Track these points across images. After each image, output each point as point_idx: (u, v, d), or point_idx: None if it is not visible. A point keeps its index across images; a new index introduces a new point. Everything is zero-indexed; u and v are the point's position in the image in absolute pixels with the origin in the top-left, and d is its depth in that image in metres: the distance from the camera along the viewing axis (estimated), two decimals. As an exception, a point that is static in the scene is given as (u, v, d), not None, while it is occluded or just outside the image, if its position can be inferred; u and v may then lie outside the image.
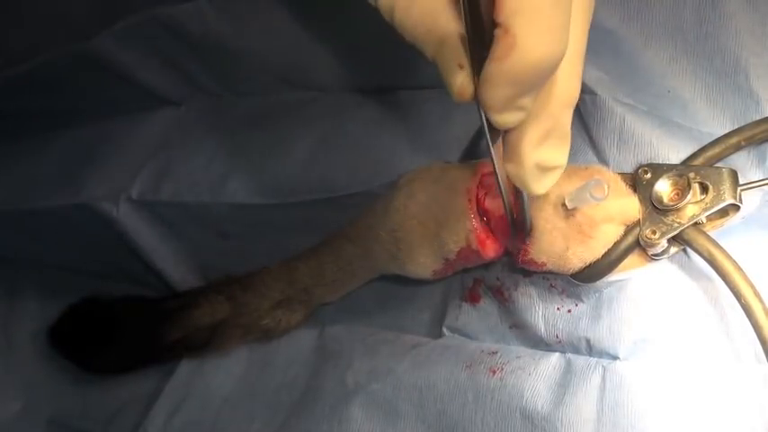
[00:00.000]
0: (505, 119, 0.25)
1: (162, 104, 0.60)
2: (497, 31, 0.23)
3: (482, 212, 0.36)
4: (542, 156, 0.27)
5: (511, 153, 0.27)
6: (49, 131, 0.65)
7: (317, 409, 0.46)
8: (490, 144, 0.27)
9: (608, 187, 0.32)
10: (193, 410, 0.54)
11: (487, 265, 0.42)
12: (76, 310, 0.55)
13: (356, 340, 0.48)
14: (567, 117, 0.27)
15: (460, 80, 0.25)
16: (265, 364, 0.52)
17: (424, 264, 0.39)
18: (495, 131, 0.27)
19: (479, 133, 0.44)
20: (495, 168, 0.29)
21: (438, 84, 0.47)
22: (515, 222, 0.35)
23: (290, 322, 0.48)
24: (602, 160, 0.38)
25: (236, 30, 0.51)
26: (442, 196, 0.37)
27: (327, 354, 0.49)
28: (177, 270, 0.58)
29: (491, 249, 0.37)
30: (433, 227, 0.38)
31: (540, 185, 0.28)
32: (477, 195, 0.36)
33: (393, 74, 0.49)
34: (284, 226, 0.51)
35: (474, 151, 0.44)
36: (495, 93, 0.24)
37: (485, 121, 0.26)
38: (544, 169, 0.27)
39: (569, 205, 0.34)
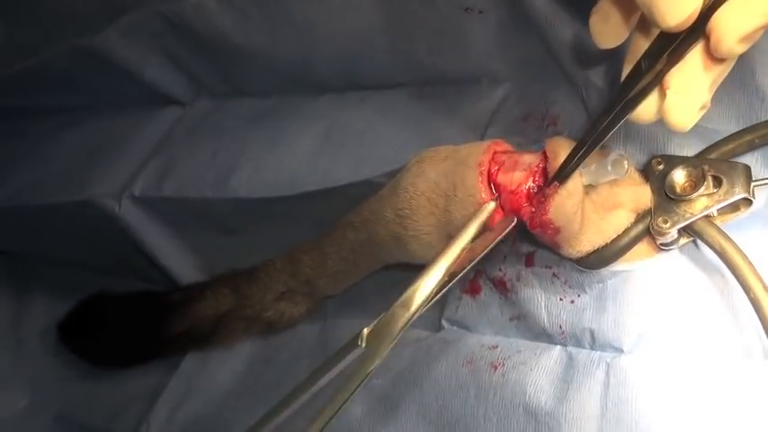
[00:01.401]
0: (740, 50, 0.25)
1: (166, 103, 0.60)
2: None
3: (493, 187, 0.36)
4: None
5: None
6: (55, 129, 0.66)
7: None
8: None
9: (628, 163, 0.32)
10: (197, 405, 0.54)
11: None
12: (84, 306, 0.56)
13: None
14: None
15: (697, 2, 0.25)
16: (268, 359, 0.52)
17: (428, 242, 0.39)
18: None
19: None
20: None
21: (440, 80, 0.47)
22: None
23: (293, 315, 0.48)
24: (609, 155, 0.38)
25: (240, 26, 0.51)
26: (452, 171, 0.37)
27: (329, 349, 0.48)
28: (181, 266, 0.58)
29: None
30: (441, 203, 0.37)
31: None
32: (490, 169, 0.36)
33: (396, 70, 0.49)
34: (288, 220, 0.51)
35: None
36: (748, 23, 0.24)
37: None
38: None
39: (587, 180, 0.34)
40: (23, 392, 0.65)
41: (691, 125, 0.28)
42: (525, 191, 0.35)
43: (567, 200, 0.33)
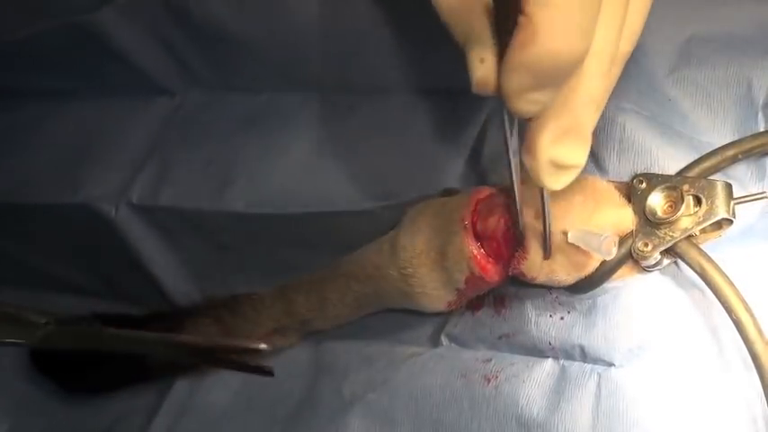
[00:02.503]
0: (521, 107, 0.25)
1: (156, 92, 0.58)
2: (521, 19, 0.23)
3: (478, 238, 0.36)
4: (558, 153, 0.27)
5: (528, 145, 0.28)
6: (40, 117, 0.62)
7: (314, 421, 0.47)
8: (508, 139, 0.28)
9: (616, 248, 0.32)
10: (192, 425, 0.53)
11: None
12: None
13: (352, 351, 0.48)
14: (588, 117, 0.27)
15: (480, 73, 0.26)
16: (262, 377, 0.52)
17: (437, 296, 0.40)
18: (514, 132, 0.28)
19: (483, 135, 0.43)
20: (511, 173, 0.30)
21: (433, 86, 0.46)
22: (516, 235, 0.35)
23: (283, 346, 0.48)
24: (602, 168, 0.38)
25: (237, 13, 0.49)
26: (441, 228, 0.37)
27: (324, 366, 0.49)
28: (173, 277, 0.56)
29: (494, 273, 0.37)
30: (439, 259, 0.38)
31: (554, 182, 0.28)
32: (473, 221, 0.36)
33: (388, 72, 0.48)
34: (279, 239, 0.51)
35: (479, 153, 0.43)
36: (512, 80, 0.25)
37: (505, 116, 0.27)
38: (559, 167, 0.28)
39: (571, 240, 0.34)
40: (3, 417, 0.62)
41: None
42: (500, 235, 0.35)
43: (538, 263, 0.34)
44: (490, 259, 0.36)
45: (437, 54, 0.45)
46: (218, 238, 0.54)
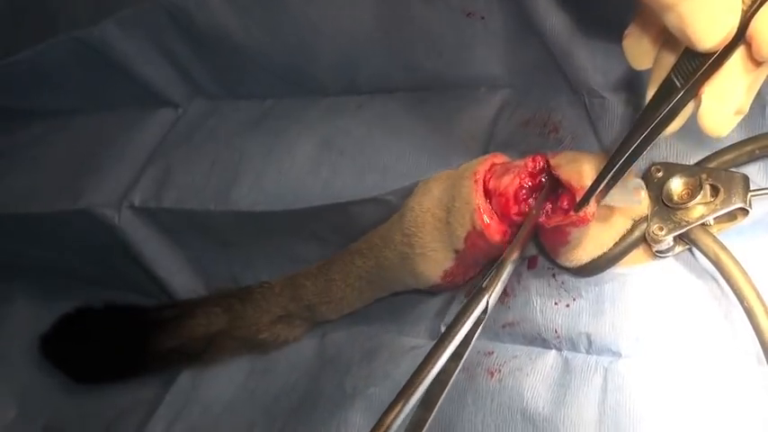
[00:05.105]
0: None
1: (159, 104, 0.59)
2: None
3: (487, 194, 0.37)
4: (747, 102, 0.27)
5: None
6: (44, 134, 0.64)
7: (317, 415, 0.46)
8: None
9: (645, 193, 0.33)
10: (194, 417, 0.53)
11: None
12: (68, 320, 0.54)
13: (355, 345, 0.47)
14: None
15: (734, 21, 0.24)
16: (266, 370, 0.52)
17: (435, 260, 0.39)
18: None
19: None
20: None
21: (439, 85, 0.47)
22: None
23: (288, 337, 0.48)
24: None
25: (241, 24, 0.50)
26: (452, 185, 0.38)
27: (327, 359, 0.49)
28: (179, 277, 0.57)
29: (496, 231, 0.37)
30: (444, 216, 0.38)
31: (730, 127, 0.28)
32: (485, 177, 0.37)
33: (394, 73, 0.48)
34: (288, 234, 0.51)
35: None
36: None
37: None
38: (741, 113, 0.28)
39: (609, 202, 0.33)
40: (11, 404, 0.63)
41: (727, 131, 0.28)
42: (512, 192, 0.35)
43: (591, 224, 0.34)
44: (494, 214, 0.36)
45: (443, 52, 0.46)
46: (223, 235, 0.54)
